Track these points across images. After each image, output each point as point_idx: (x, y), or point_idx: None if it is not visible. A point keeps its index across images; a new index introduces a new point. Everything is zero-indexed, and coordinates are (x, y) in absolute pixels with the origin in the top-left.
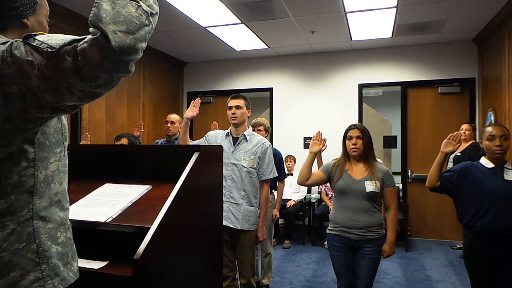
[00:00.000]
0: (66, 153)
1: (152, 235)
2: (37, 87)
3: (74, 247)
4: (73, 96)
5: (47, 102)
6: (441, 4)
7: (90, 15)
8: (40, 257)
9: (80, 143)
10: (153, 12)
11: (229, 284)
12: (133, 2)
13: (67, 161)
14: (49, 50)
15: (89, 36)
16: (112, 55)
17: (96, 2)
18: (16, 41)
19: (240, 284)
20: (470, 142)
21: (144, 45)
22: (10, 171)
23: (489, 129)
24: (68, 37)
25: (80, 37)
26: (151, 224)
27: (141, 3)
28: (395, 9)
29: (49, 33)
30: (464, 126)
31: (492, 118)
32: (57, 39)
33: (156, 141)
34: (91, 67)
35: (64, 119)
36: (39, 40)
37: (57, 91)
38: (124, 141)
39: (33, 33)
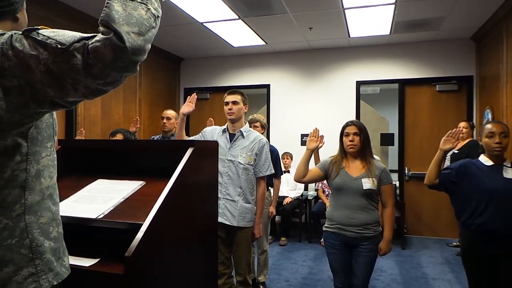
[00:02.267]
0: (55, 147)
1: (144, 231)
2: (40, 82)
3: (64, 242)
4: (77, 92)
5: (48, 97)
6: (440, 1)
7: (102, 15)
8: (33, 252)
9: (75, 139)
10: (159, 15)
11: (225, 282)
12: (142, 4)
13: (55, 155)
14: (59, 46)
15: (100, 35)
16: (125, 55)
17: (108, 3)
18: (15, 33)
19: (236, 281)
20: (468, 140)
21: (150, 46)
22: (4, 166)
23: (488, 126)
24: (76, 34)
25: (88, 35)
26: (144, 221)
27: (150, 6)
28: (393, 5)
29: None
30: (462, 124)
31: (490, 116)
32: (65, 35)
33: (152, 137)
34: (103, 66)
35: (55, 113)
36: (43, 35)
37: (61, 87)
38: (119, 136)
39: (35, 27)
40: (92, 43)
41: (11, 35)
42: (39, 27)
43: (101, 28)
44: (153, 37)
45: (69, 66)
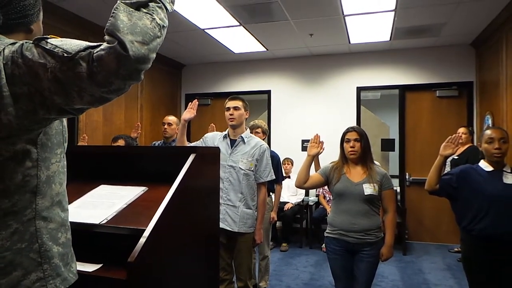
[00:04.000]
0: (64, 154)
1: (147, 237)
2: (48, 89)
3: (72, 249)
4: (82, 100)
5: (56, 104)
6: (439, 8)
7: (107, 24)
8: (42, 257)
9: (77, 145)
10: (164, 25)
11: (226, 287)
12: (148, 15)
13: (65, 162)
14: (65, 54)
15: (105, 44)
16: (128, 63)
17: (113, 13)
18: (26, 42)
19: (237, 287)
20: (467, 146)
21: (154, 55)
22: (14, 171)
23: (488, 132)
24: (82, 43)
25: (94, 44)
26: (146, 226)
27: (155, 16)
28: (393, 12)
29: (46, 34)
30: (461, 130)
31: (490, 121)
32: (72, 44)
33: (154, 142)
34: (107, 74)
35: (65, 121)
36: (52, 44)
37: (67, 94)
38: (121, 142)
39: (44, 36)
40: (97, 52)
41: (22, 44)
42: (49, 36)
43: (106, 37)
44: (158, 46)
45: (75, 74)
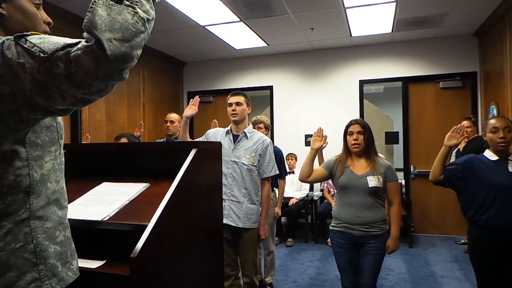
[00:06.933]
0: (62, 151)
1: (149, 233)
2: (29, 90)
3: (73, 245)
4: (65, 101)
5: (39, 105)
6: None
7: (85, 20)
8: (37, 257)
9: (80, 143)
10: (149, 18)
11: (232, 283)
12: (129, 8)
13: (63, 159)
14: (41, 54)
15: (83, 42)
16: (107, 63)
17: (91, 7)
18: (7, 39)
19: (243, 282)
20: (472, 137)
21: (139, 52)
22: (5, 172)
23: (492, 121)
24: (61, 41)
25: (73, 41)
26: (149, 222)
27: (138, 9)
28: (394, 3)
29: (48, 30)
30: (465, 123)
31: (495, 111)
32: (50, 42)
33: (157, 140)
34: (85, 75)
35: (59, 117)
36: (31, 42)
37: (49, 96)
38: (123, 140)
39: (24, 33)
40: (74, 51)
41: (3, 42)
42: (29, 33)
43: (84, 34)
44: (143, 42)
45: (52, 75)
